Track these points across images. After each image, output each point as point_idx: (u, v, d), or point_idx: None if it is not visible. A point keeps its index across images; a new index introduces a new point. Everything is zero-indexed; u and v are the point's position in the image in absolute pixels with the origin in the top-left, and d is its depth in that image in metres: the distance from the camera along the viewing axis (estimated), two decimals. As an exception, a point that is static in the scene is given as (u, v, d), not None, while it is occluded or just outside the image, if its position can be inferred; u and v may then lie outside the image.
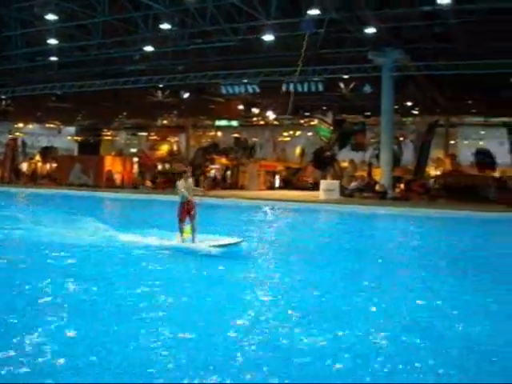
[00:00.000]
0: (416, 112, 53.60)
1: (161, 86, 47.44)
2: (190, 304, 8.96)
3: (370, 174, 46.47)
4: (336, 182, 40.86)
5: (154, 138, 69.11)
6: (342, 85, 44.83)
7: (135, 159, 55.84)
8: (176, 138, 68.18)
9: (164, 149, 66.33)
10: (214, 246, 14.10)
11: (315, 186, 44.84)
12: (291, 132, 64.61)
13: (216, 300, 9.20)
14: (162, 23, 32.44)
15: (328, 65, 38.52)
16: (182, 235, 14.62)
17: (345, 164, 52.54)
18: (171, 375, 5.89)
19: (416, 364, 6.42)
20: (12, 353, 6.26)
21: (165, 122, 66.65)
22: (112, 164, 50.68)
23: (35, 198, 37.59)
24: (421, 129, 51.97)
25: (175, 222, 14.76)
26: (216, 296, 9.48)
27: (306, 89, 38.84)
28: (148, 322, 7.65)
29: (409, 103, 50.12)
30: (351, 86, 44.57)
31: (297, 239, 18.24)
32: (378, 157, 42.57)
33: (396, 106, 41.44)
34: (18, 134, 65.25)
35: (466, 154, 52.68)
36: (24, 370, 5.81)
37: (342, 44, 35.11)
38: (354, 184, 42.97)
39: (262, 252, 14.70)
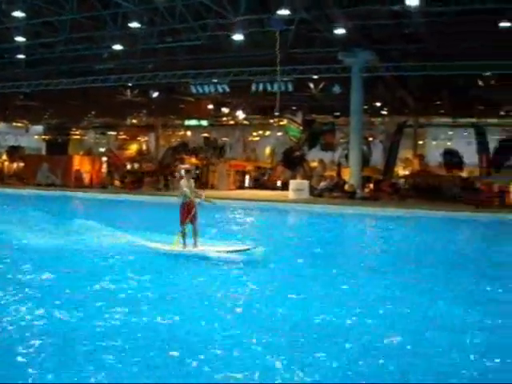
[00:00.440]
0: (385, 112, 53.97)
1: (130, 84, 47.06)
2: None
3: (339, 174, 46.65)
4: (305, 182, 40.90)
5: (123, 137, 68.71)
6: (311, 85, 44.94)
7: (104, 159, 55.38)
8: (145, 138, 67.86)
9: (133, 148, 66.00)
10: (221, 252, 13.37)
11: (285, 186, 44.85)
12: (261, 132, 64.61)
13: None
14: (131, 21, 32.18)
15: (298, 65, 38.55)
16: (183, 238, 13.79)
17: (314, 164, 52.67)
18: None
19: None
20: None
21: (134, 121, 66.27)
22: (80, 163, 50.24)
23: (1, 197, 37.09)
24: (390, 129, 52.38)
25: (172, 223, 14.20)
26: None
27: (275, 88, 38.82)
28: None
29: (378, 104, 50.45)
30: (321, 86, 44.68)
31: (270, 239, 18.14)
32: (347, 157, 42.79)
33: (365, 107, 41.67)
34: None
35: (434, 155, 53.19)
36: None
37: (312, 44, 35.15)
38: (323, 184, 43.04)
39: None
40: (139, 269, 11.64)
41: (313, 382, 6.01)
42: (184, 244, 13.78)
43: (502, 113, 49.70)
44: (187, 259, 13.10)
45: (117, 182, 49.98)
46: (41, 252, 13.44)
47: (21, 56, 40.74)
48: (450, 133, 53.97)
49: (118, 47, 36.49)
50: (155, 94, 49.63)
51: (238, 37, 32.82)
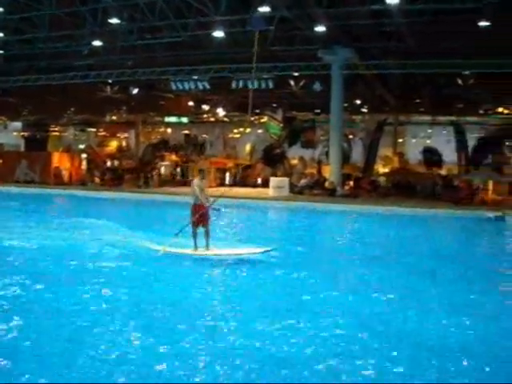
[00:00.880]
0: (365, 110, 54.13)
1: (110, 81, 46.80)
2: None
3: (319, 172, 46.81)
4: (286, 180, 40.95)
5: (103, 134, 68.19)
6: (292, 82, 44.94)
7: (84, 155, 55.05)
8: (125, 135, 67.40)
9: (113, 145, 65.60)
10: (237, 254, 13.10)
11: (265, 184, 44.83)
12: (241, 129, 64.50)
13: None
14: (110, 17, 31.96)
15: (278, 62, 38.53)
16: (194, 240, 13.26)
17: (294, 161, 52.79)
18: None
19: None
20: None
21: (114, 117, 65.79)
22: (60, 160, 49.84)
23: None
24: (370, 127, 52.66)
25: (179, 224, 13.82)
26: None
27: (256, 86, 38.78)
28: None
29: (358, 101, 50.57)
30: (301, 83, 44.70)
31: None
32: (327, 154, 42.92)
33: (345, 104, 41.74)
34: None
35: (413, 152, 53.46)
36: None
37: (293, 42, 35.15)
38: (303, 181, 43.11)
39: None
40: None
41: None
42: (196, 246, 13.30)
43: (481, 111, 50.11)
44: (204, 263, 12.62)
45: (97, 179, 49.70)
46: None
47: (-1, 51, 40.39)
48: (430, 131, 54.23)
49: (97, 43, 36.20)
50: (135, 91, 49.38)
51: (218, 34, 32.73)
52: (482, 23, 28.29)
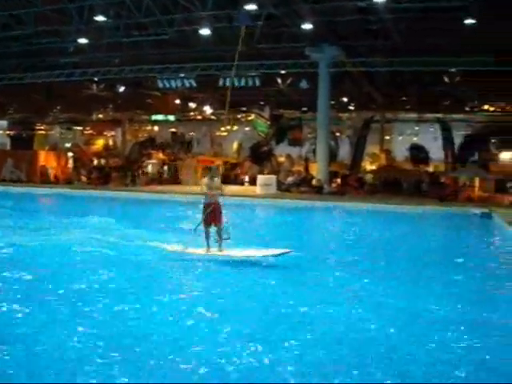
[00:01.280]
0: (352, 108, 54.23)
1: (96, 79, 46.61)
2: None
3: (306, 169, 46.84)
4: (273, 177, 40.94)
5: (90, 132, 67.83)
6: (279, 80, 44.97)
7: (70, 154, 54.73)
8: (112, 133, 67.09)
9: (100, 143, 65.29)
10: (254, 256, 12.78)
11: (253, 181, 44.77)
12: (228, 127, 64.36)
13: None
14: (96, 15, 31.81)
15: (265, 60, 38.54)
16: (207, 240, 12.95)
17: (282, 159, 52.79)
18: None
19: None
20: None
21: (100, 116, 65.51)
22: (46, 159, 49.48)
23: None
24: (357, 124, 52.73)
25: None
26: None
27: (242, 83, 38.74)
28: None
29: (345, 99, 50.71)
30: (288, 81, 44.76)
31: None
32: (314, 152, 42.94)
33: (332, 102, 41.86)
34: None
35: (400, 149, 53.53)
36: None
37: (279, 39, 35.16)
38: (290, 179, 43.11)
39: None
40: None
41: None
42: (208, 247, 13.01)
43: (467, 108, 50.31)
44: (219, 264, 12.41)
45: (83, 178, 49.40)
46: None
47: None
48: (417, 128, 54.32)
49: (83, 41, 36.05)
50: (122, 89, 49.23)
51: (205, 31, 32.68)
52: (468, 21, 28.46)
